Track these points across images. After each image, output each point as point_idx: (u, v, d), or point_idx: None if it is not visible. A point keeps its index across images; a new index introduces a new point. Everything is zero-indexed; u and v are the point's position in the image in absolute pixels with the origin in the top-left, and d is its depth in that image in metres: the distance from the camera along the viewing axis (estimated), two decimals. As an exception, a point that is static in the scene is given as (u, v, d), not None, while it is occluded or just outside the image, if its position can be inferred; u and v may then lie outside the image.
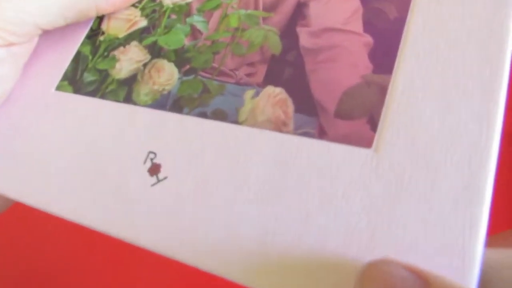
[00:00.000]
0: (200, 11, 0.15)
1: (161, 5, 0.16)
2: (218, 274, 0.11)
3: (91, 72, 0.15)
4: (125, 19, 0.16)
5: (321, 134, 0.11)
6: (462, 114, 0.10)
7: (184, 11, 0.15)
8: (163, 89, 0.14)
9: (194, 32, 0.15)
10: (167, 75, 0.14)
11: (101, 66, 0.15)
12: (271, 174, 0.11)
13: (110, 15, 0.16)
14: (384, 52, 0.12)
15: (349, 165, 0.10)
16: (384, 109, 0.11)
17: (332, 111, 0.11)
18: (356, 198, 0.10)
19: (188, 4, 0.15)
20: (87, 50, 0.16)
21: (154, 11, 0.16)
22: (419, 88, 0.11)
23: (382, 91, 0.11)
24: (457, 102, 0.10)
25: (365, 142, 0.11)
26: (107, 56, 0.15)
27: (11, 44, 0.15)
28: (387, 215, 0.10)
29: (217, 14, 0.14)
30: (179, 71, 0.14)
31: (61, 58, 0.16)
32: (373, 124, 0.11)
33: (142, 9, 0.16)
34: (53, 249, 0.35)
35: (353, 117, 0.11)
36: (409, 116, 0.10)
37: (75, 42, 0.16)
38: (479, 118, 0.10)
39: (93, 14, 0.16)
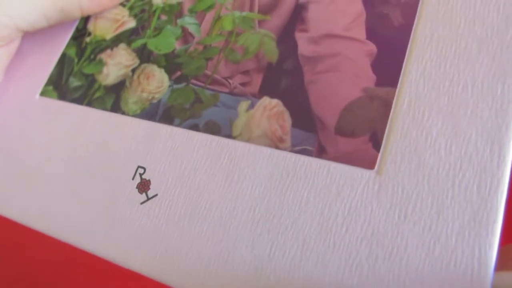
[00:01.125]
0: (192, 11, 0.14)
1: (150, 4, 0.15)
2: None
3: (77, 76, 0.14)
4: (113, 19, 0.15)
5: (320, 152, 0.10)
6: (471, 136, 0.09)
7: (175, 11, 0.14)
8: (153, 97, 0.13)
9: (185, 35, 0.14)
10: (157, 82, 0.13)
11: (88, 70, 0.14)
12: (266, 195, 0.10)
13: (96, 14, 0.15)
14: (389, 63, 0.11)
15: (350, 188, 0.10)
16: (388, 126, 0.10)
17: (333, 127, 0.11)
18: (357, 225, 0.09)
19: (179, 4, 0.14)
20: (72, 52, 0.15)
21: (143, 10, 0.15)
22: (425, 105, 0.10)
23: (386, 106, 0.10)
24: (466, 121, 0.09)
25: (368, 163, 0.10)
26: (94, 59, 0.14)
27: None
28: (389, 245, 0.09)
29: (210, 16, 0.14)
30: (170, 78, 0.13)
31: (45, 61, 0.15)
32: (376, 142, 0.10)
33: (131, 8, 0.15)
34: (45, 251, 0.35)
35: (355, 134, 0.10)
36: (414, 135, 0.10)
37: (60, 43, 0.15)
38: (490, 140, 0.09)
39: (78, 14, 0.15)
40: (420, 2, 0.11)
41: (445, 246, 0.09)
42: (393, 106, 0.10)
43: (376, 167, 0.10)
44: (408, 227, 0.09)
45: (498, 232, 0.09)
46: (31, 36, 0.15)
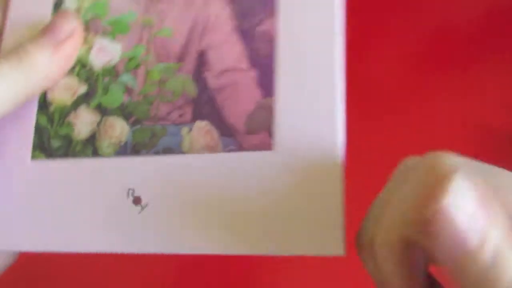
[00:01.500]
0: (127, 70, 0.19)
1: (92, 70, 0.20)
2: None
3: (55, 138, 0.19)
4: (66, 88, 0.20)
5: (240, 147, 0.17)
6: (319, 113, 0.16)
7: (112, 73, 0.19)
8: (120, 141, 0.19)
9: (127, 89, 0.19)
10: (119, 128, 0.19)
11: (62, 132, 0.19)
12: (216, 181, 0.17)
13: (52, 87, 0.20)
14: (266, 81, 0.17)
15: (259, 161, 0.16)
16: (274, 121, 0.17)
17: (243, 131, 0.17)
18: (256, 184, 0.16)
19: (114, 65, 0.19)
20: (43, 121, 0.20)
21: (88, 77, 0.20)
22: (293, 103, 0.17)
23: (271, 110, 0.17)
24: (316, 108, 0.16)
25: (267, 146, 0.17)
26: (63, 123, 0.20)
27: None
28: None
29: (141, 71, 0.19)
30: (128, 123, 0.19)
31: (23, 132, 0.20)
32: (271, 134, 0.17)
33: (78, 75, 0.20)
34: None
35: (258, 132, 0.17)
36: (291, 124, 0.17)
37: (31, 115, 0.20)
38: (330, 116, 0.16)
39: (39, 92, 0.19)
40: (277, 35, 0.18)
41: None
42: (273, 109, 0.17)
43: (273, 148, 0.16)
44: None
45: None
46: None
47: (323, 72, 0.17)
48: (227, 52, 0.18)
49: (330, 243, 0.15)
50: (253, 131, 0.17)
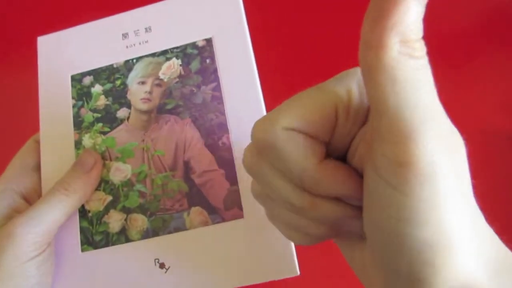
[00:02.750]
0: (138, 181, 0.29)
1: (113, 184, 0.30)
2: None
3: (97, 234, 0.29)
4: (97, 199, 0.29)
5: (223, 220, 0.28)
6: None
7: (128, 184, 0.29)
8: (143, 229, 0.28)
9: (141, 193, 0.29)
10: (140, 221, 0.29)
11: (101, 229, 0.29)
12: (212, 242, 0.27)
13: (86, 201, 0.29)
14: (231, 175, 0.28)
15: (237, 228, 0.27)
16: (241, 201, 0.27)
17: (223, 208, 0.28)
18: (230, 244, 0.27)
19: (129, 179, 0.29)
20: (85, 224, 0.29)
21: (111, 189, 0.29)
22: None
23: (238, 193, 0.28)
24: None
25: (240, 216, 0.27)
26: (100, 223, 0.29)
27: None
28: None
29: (148, 180, 0.29)
30: (146, 216, 0.29)
31: (70, 232, 0.29)
32: (241, 208, 0.27)
33: (104, 189, 0.30)
34: None
35: (232, 208, 0.28)
36: (252, 200, 0.27)
37: (75, 221, 0.29)
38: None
39: (79, 206, 0.29)
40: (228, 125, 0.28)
41: None
42: (240, 192, 0.28)
43: (244, 217, 0.27)
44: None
45: None
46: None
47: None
48: (203, 159, 0.29)
49: (286, 269, 0.26)
50: (229, 208, 0.28)
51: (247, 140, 0.28)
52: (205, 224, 0.28)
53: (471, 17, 0.45)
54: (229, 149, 0.29)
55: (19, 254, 0.25)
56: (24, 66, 0.37)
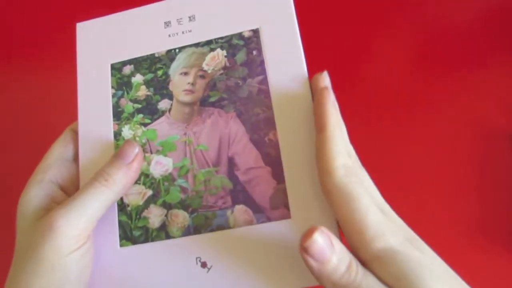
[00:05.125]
0: (180, 176, 0.28)
1: (154, 178, 0.29)
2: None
3: (136, 229, 0.28)
4: (137, 193, 0.28)
5: (269, 219, 0.26)
6: None
7: (169, 179, 0.28)
8: (184, 225, 0.27)
9: (182, 189, 0.28)
10: (181, 217, 0.27)
11: (140, 224, 0.28)
12: (256, 240, 0.26)
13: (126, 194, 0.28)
14: (277, 173, 0.27)
15: (284, 229, 0.26)
16: (289, 200, 0.26)
17: (269, 208, 0.26)
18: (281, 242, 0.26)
19: (170, 174, 0.28)
20: (124, 218, 0.28)
21: (152, 183, 0.28)
22: (298, 186, 0.26)
23: (285, 192, 0.26)
24: (313, 188, 0.26)
25: (287, 216, 0.26)
26: (139, 218, 0.28)
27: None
28: None
29: (190, 176, 0.28)
30: (187, 212, 0.28)
31: (110, 227, 0.28)
32: (288, 208, 0.26)
33: (144, 183, 0.29)
34: None
35: (278, 207, 0.26)
36: (299, 200, 0.26)
37: (113, 215, 0.28)
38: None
39: (119, 199, 0.28)
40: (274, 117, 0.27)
41: None
42: (287, 191, 0.26)
43: (291, 217, 0.26)
44: None
45: None
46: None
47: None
48: (248, 156, 0.28)
49: None
50: (275, 208, 0.26)
51: (294, 137, 0.27)
52: (250, 223, 0.27)
53: (471, 17, 0.45)
54: (276, 145, 0.27)
55: (60, 247, 0.24)
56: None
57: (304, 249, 0.21)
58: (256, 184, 0.27)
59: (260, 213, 0.27)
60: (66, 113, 0.31)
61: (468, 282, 0.21)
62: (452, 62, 0.43)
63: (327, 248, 0.21)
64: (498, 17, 0.43)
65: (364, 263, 0.22)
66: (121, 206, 0.29)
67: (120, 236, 0.28)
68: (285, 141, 0.27)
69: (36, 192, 0.27)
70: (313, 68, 0.29)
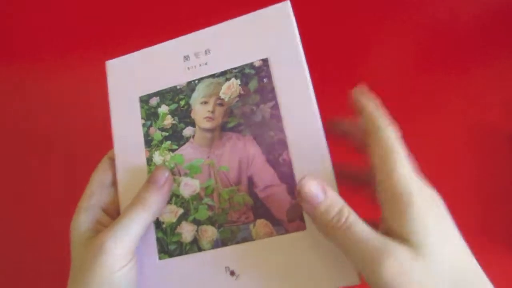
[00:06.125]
0: (206, 196, 0.32)
1: (183, 198, 0.32)
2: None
3: (171, 244, 0.32)
4: (170, 212, 0.32)
5: (287, 231, 0.30)
6: None
7: (197, 198, 0.32)
8: (212, 239, 0.31)
9: (210, 206, 0.32)
10: (210, 232, 0.31)
11: (175, 239, 0.32)
12: (275, 250, 0.29)
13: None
14: (293, 190, 0.30)
15: (300, 239, 0.29)
16: (303, 213, 0.30)
17: (286, 221, 0.30)
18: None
19: (197, 193, 0.32)
20: (161, 234, 0.32)
21: (182, 203, 0.32)
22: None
23: (299, 206, 0.30)
24: None
25: (303, 228, 0.29)
26: (174, 233, 0.32)
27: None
28: None
29: (215, 194, 0.32)
30: (215, 227, 0.31)
31: (149, 243, 0.32)
32: (303, 221, 0.30)
33: (175, 203, 0.32)
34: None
35: (294, 220, 0.30)
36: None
37: (152, 232, 0.32)
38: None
39: (155, 219, 0.32)
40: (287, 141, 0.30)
41: None
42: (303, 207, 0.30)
43: (307, 228, 0.29)
44: None
45: None
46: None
47: (324, 177, 0.30)
48: (265, 175, 0.31)
49: (346, 278, 0.28)
50: (292, 220, 0.30)
51: (305, 156, 0.30)
52: (270, 235, 0.30)
53: (471, 17, 0.45)
54: (289, 164, 0.31)
55: (110, 265, 0.28)
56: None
57: (298, 193, 0.26)
58: (273, 200, 0.31)
59: (279, 226, 0.30)
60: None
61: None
62: (452, 62, 0.44)
63: (320, 193, 0.26)
64: (499, 17, 0.44)
65: None
66: (157, 224, 0.33)
67: (158, 250, 0.32)
68: (297, 160, 0.30)
69: (84, 218, 0.31)
70: (314, 68, 0.32)
